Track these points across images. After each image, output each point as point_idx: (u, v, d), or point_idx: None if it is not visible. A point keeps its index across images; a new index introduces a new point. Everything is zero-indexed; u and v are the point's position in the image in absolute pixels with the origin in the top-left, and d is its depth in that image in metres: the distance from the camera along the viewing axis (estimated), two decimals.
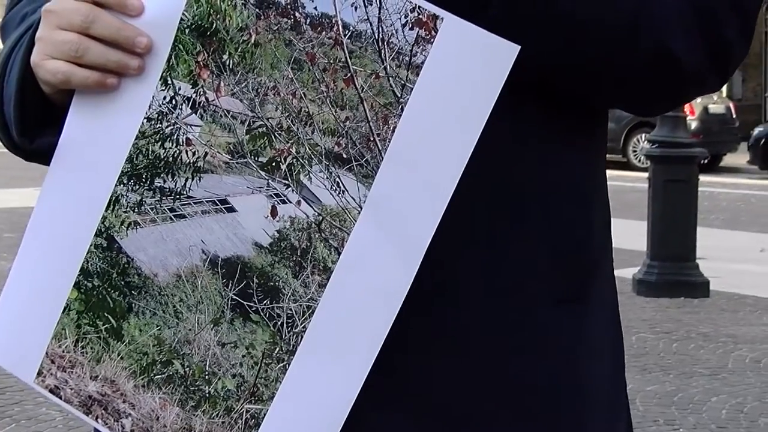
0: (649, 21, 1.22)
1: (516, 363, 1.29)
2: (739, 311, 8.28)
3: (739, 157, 21.93)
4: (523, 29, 1.18)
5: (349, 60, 1.16)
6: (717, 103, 21.26)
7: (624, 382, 1.42)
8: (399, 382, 1.27)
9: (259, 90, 1.20)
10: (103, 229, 1.27)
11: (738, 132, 22.20)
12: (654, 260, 8.78)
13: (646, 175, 9.55)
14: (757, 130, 21.02)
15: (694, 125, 17.79)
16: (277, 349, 1.22)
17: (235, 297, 1.23)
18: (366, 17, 1.15)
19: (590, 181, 1.35)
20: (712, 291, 8.69)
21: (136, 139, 1.25)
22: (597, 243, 1.35)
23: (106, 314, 1.28)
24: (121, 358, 1.28)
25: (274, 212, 1.22)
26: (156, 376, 1.26)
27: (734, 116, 22.26)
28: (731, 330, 7.65)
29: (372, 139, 1.16)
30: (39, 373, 1.31)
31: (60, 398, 1.30)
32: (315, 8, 1.17)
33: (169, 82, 1.23)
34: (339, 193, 1.18)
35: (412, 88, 1.14)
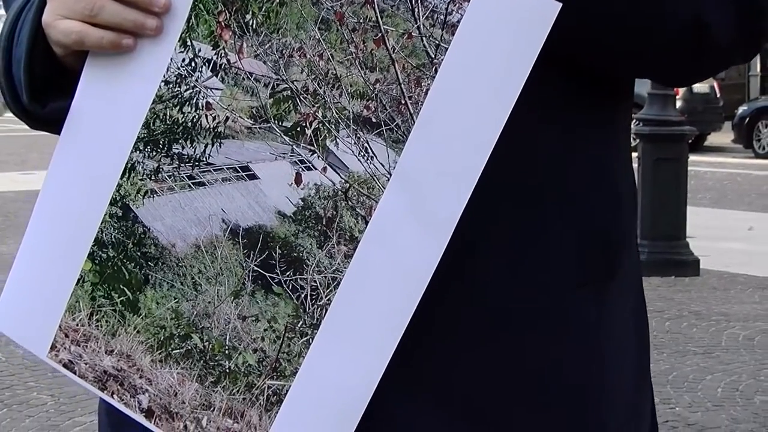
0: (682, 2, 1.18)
1: (539, 352, 1.26)
2: (730, 289, 8.27)
3: (723, 136, 22.00)
4: None
5: (380, 19, 1.11)
6: (702, 83, 21.31)
7: (650, 387, 1.39)
8: (419, 370, 1.23)
9: (284, 51, 1.15)
10: (118, 198, 1.22)
11: (722, 111, 22.29)
12: (644, 239, 8.74)
13: (635, 154, 9.53)
14: (741, 109, 21.10)
15: (678, 104, 17.82)
16: (301, 322, 1.17)
17: (256, 268, 1.18)
18: None
19: (616, 158, 1.32)
20: (702, 269, 8.68)
21: (153, 104, 1.19)
22: (625, 222, 1.32)
23: (121, 286, 1.23)
24: (138, 331, 1.23)
25: (298, 179, 1.16)
26: (174, 351, 1.21)
27: (718, 95, 22.35)
28: (723, 308, 7.63)
29: (403, 102, 1.11)
30: (52, 347, 1.26)
31: (74, 373, 1.25)
32: None
33: (189, 43, 1.18)
34: (367, 159, 1.13)
35: (446, 49, 1.09)
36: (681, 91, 20.06)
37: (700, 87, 21.40)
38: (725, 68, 1.33)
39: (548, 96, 1.22)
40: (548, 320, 1.25)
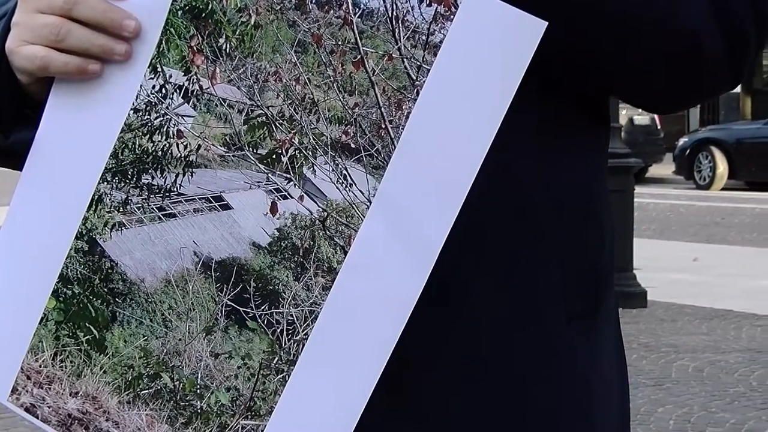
0: (684, 10, 1.17)
1: (529, 387, 1.23)
2: (678, 321, 8.29)
3: (664, 168, 22.25)
4: (555, 12, 1.10)
5: (359, 40, 1.07)
6: (642, 114, 21.58)
7: (629, 423, 1.37)
8: (409, 401, 1.19)
9: (258, 76, 1.10)
10: (84, 232, 1.16)
11: (663, 143, 22.61)
12: None
13: None
14: (681, 141, 21.36)
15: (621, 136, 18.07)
16: (276, 359, 1.12)
17: (230, 302, 1.13)
18: None
19: (600, 192, 1.30)
20: (649, 301, 8.72)
21: (121, 132, 1.14)
22: (607, 257, 1.30)
23: (87, 324, 1.17)
24: (104, 372, 1.17)
25: (274, 209, 1.12)
26: (142, 391, 1.16)
27: (659, 127, 22.66)
28: (671, 339, 7.65)
29: (383, 126, 1.07)
30: (13, 390, 1.19)
31: (37, 417, 1.19)
32: None
33: (159, 69, 1.13)
34: (346, 186, 1.09)
35: (428, 70, 1.05)
36: (622, 122, 20.31)
37: (640, 119, 21.67)
38: (709, 98, 1.32)
39: (537, 129, 1.20)
40: (539, 355, 1.23)
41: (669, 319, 8.32)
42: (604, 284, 1.30)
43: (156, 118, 1.13)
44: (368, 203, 1.08)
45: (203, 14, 1.11)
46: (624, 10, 1.14)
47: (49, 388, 1.19)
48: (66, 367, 1.18)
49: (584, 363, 1.26)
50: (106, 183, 1.15)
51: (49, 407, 1.19)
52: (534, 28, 1.03)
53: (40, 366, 1.19)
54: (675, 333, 7.87)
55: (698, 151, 20.52)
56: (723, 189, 19.85)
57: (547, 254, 1.22)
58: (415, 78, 1.06)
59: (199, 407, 1.14)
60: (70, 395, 1.18)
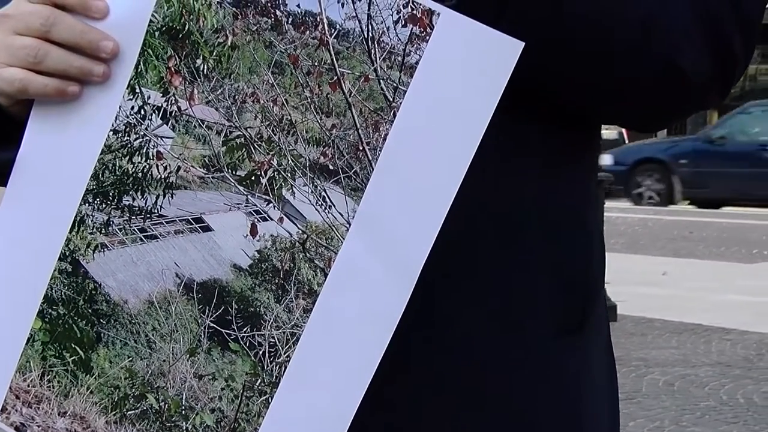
0: (658, 34, 1.14)
1: (519, 402, 1.21)
2: (648, 334, 8.21)
3: None
4: (534, 37, 1.08)
5: (335, 61, 1.05)
6: (610, 128, 21.41)
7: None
8: (394, 420, 1.18)
9: (236, 97, 1.10)
10: (67, 253, 1.16)
11: None
12: None
13: None
14: None
15: None
16: (259, 380, 1.11)
17: (212, 324, 1.12)
18: (354, 14, 1.05)
19: (588, 204, 1.28)
20: (619, 315, 8.60)
21: (101, 154, 1.14)
22: (596, 270, 1.28)
23: (73, 345, 1.17)
24: (91, 392, 1.17)
25: (253, 231, 1.11)
26: (129, 412, 1.15)
27: (626, 141, 22.59)
28: (642, 353, 7.57)
29: (361, 148, 1.06)
30: (3, 410, 1.20)
31: None
32: (298, 5, 1.07)
33: (137, 90, 1.12)
34: (325, 208, 1.08)
35: (405, 91, 1.04)
36: None
37: (608, 133, 21.60)
38: (697, 111, 1.30)
39: (521, 141, 1.19)
40: (529, 369, 1.21)
41: (639, 333, 8.24)
42: (593, 296, 1.28)
43: (135, 140, 1.13)
44: (347, 225, 1.07)
45: (180, 35, 1.10)
46: (595, 37, 1.12)
47: (38, 408, 1.19)
48: (54, 387, 1.18)
49: (573, 377, 1.24)
50: (87, 204, 1.15)
51: (38, 426, 1.19)
52: (511, 48, 1.02)
53: (29, 386, 1.19)
54: (645, 347, 7.79)
55: None
56: (690, 203, 19.68)
57: (533, 269, 1.20)
58: (391, 99, 1.04)
59: (184, 428, 1.14)
60: (59, 415, 1.18)
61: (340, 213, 1.07)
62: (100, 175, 1.14)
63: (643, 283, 10.07)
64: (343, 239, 1.07)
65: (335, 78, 1.06)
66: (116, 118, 1.13)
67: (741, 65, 1.21)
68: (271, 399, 1.10)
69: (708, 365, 7.28)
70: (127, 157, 1.13)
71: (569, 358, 1.24)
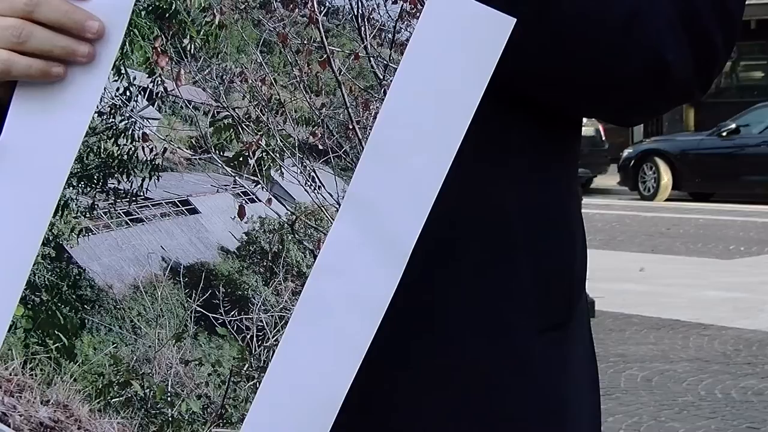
0: (642, 28, 1.14)
1: (503, 398, 1.21)
2: (626, 330, 8.23)
3: (609, 179, 22.30)
4: (521, 29, 1.08)
5: (325, 39, 1.04)
6: (587, 125, 21.60)
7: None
8: (376, 419, 1.18)
9: (224, 77, 1.08)
10: (51, 238, 1.14)
11: (607, 154, 22.69)
12: None
13: None
14: (626, 152, 21.35)
15: None
16: (247, 365, 1.09)
17: (199, 308, 1.11)
18: None
19: (571, 201, 1.28)
20: (597, 311, 8.63)
21: (86, 136, 1.12)
22: (579, 267, 1.28)
23: (56, 332, 1.15)
24: (75, 380, 1.15)
25: (241, 212, 1.09)
26: (113, 399, 1.13)
27: (603, 138, 22.77)
28: (620, 349, 7.59)
29: (351, 127, 1.05)
30: None
31: (9, 426, 1.17)
32: None
33: (123, 71, 1.11)
34: (314, 189, 1.06)
35: (395, 69, 1.03)
36: None
37: (585, 130, 21.78)
38: (678, 105, 1.30)
39: (508, 137, 1.18)
40: (513, 366, 1.21)
41: (617, 329, 8.26)
42: (577, 292, 1.28)
43: (121, 121, 1.11)
44: (337, 206, 1.06)
45: (167, 14, 1.09)
46: (580, 30, 1.11)
47: (20, 397, 1.17)
48: (36, 375, 1.16)
49: (557, 373, 1.24)
50: (71, 188, 1.13)
51: (20, 416, 1.17)
52: (502, 24, 1.01)
53: (10, 374, 1.17)
54: (623, 343, 7.82)
55: (642, 162, 20.51)
56: (667, 200, 19.83)
57: (518, 265, 1.20)
58: (382, 77, 1.03)
59: (170, 415, 1.12)
60: (42, 404, 1.16)
61: (329, 193, 1.06)
62: (85, 158, 1.12)
63: (620, 280, 10.10)
64: (333, 220, 1.06)
65: (325, 56, 1.05)
66: (101, 99, 1.11)
67: (722, 60, 1.21)
68: (259, 384, 1.09)
69: (686, 361, 7.31)
70: (113, 140, 1.12)
71: (554, 354, 1.24)
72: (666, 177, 20.13)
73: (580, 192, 1.33)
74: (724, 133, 19.54)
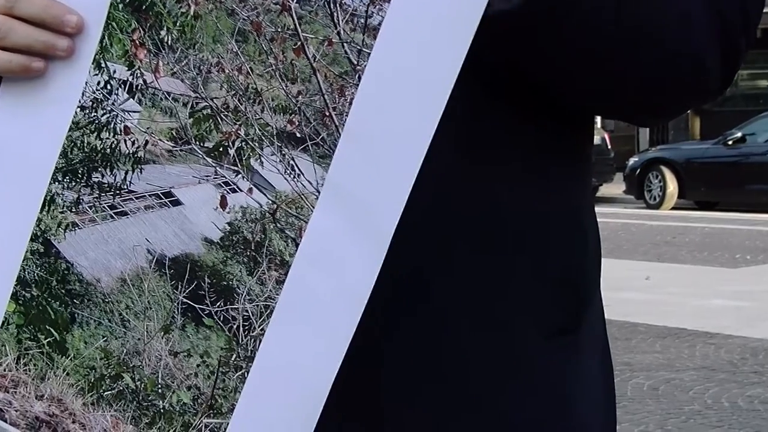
0: (694, 37, 1.13)
1: (508, 404, 1.19)
2: (632, 339, 8.16)
3: (615, 188, 22.18)
4: (572, 32, 1.07)
5: (298, 26, 1.04)
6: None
7: None
8: (375, 424, 1.17)
9: (201, 67, 1.08)
10: (38, 233, 1.15)
11: (613, 162, 22.54)
12: None
13: None
14: (632, 161, 21.20)
15: None
16: (234, 355, 1.09)
17: (185, 300, 1.11)
18: None
19: (584, 203, 1.26)
20: None
21: (69, 131, 1.13)
22: (591, 270, 1.26)
23: (47, 327, 1.16)
24: (67, 374, 1.15)
25: (223, 203, 1.09)
26: (105, 392, 1.14)
27: (609, 147, 22.63)
28: (626, 358, 7.52)
29: (327, 114, 1.04)
30: None
31: (5, 421, 1.18)
32: None
33: (103, 65, 1.11)
34: (294, 177, 1.06)
35: (369, 54, 1.02)
36: None
37: None
38: (697, 107, 1.28)
39: (520, 138, 1.17)
40: (516, 371, 1.19)
41: (623, 337, 8.19)
42: (589, 297, 1.25)
43: (103, 115, 1.11)
44: (317, 193, 1.05)
45: (144, 6, 1.09)
46: (637, 36, 1.10)
47: (15, 392, 1.17)
48: (30, 371, 1.17)
49: (565, 379, 1.21)
50: (57, 183, 1.13)
51: (16, 411, 1.18)
52: (475, 3, 1.00)
53: (5, 370, 1.18)
54: (629, 351, 7.75)
55: (648, 170, 20.35)
56: (673, 208, 19.64)
57: (518, 266, 1.17)
58: (356, 63, 1.03)
59: (161, 407, 1.12)
60: (36, 398, 1.17)
61: (309, 181, 1.06)
62: (69, 153, 1.13)
63: (626, 288, 10.00)
64: (313, 208, 1.06)
65: (299, 43, 1.04)
66: (83, 94, 1.12)
67: (741, 61, 1.20)
68: (247, 374, 1.09)
69: (692, 369, 7.26)
70: (95, 133, 1.12)
71: (561, 359, 1.21)
72: (671, 186, 20.00)
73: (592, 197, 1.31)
74: (730, 142, 19.34)
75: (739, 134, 19.37)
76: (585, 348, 1.25)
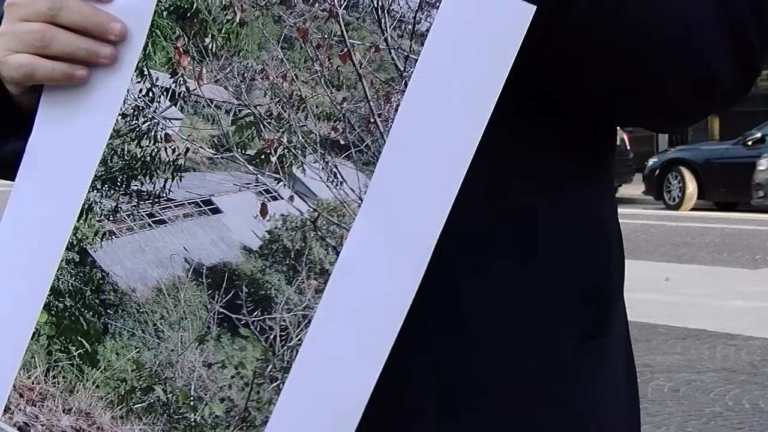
0: (696, 41, 1.14)
1: (537, 408, 1.19)
2: (652, 340, 8.14)
3: (634, 188, 22.20)
4: (575, 38, 1.08)
5: (345, 33, 1.04)
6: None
7: None
8: (409, 424, 1.16)
9: (245, 74, 1.08)
10: (75, 242, 1.14)
11: (632, 163, 22.65)
12: None
13: None
14: (651, 161, 21.28)
15: None
16: (270, 366, 1.08)
17: (222, 310, 1.10)
18: None
19: (606, 206, 1.27)
20: None
21: (110, 139, 1.12)
22: (615, 273, 1.27)
23: (79, 338, 1.14)
24: (97, 386, 1.14)
25: (264, 211, 1.09)
26: (135, 405, 1.12)
27: (628, 148, 22.67)
28: (646, 359, 7.49)
29: (372, 120, 1.04)
30: (6, 409, 1.16)
31: None
32: None
33: (146, 72, 1.11)
34: (336, 184, 1.06)
35: (416, 60, 1.03)
36: None
37: None
38: (718, 113, 1.30)
39: (543, 142, 1.18)
40: (549, 379, 1.19)
41: (643, 339, 8.16)
42: (613, 300, 1.26)
43: (144, 123, 1.11)
44: (359, 201, 1.05)
45: (188, 14, 1.09)
46: (636, 41, 1.11)
47: (42, 406, 1.16)
48: (59, 383, 1.15)
49: (591, 381, 1.22)
50: (95, 191, 1.13)
51: (42, 425, 1.16)
52: (522, 12, 1.01)
53: (33, 383, 1.16)
54: (650, 353, 7.73)
55: (667, 171, 20.42)
56: (692, 209, 19.65)
57: (548, 270, 1.18)
58: (402, 69, 1.03)
59: (193, 420, 1.11)
60: (64, 412, 1.15)
61: (351, 189, 1.05)
62: (109, 161, 1.12)
63: (646, 289, 9.95)
64: (355, 216, 1.05)
65: (345, 50, 1.05)
66: (125, 101, 1.12)
67: (761, 67, 1.21)
68: (283, 385, 1.07)
69: (713, 371, 7.23)
70: (136, 141, 1.12)
71: (588, 364, 1.21)
72: (691, 186, 20.02)
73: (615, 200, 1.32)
74: (749, 142, 19.38)
75: (758, 135, 19.38)
76: (610, 352, 1.25)
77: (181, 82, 1.10)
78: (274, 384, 1.08)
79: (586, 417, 1.22)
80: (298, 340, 1.07)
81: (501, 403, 1.17)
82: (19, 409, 1.16)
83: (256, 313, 1.09)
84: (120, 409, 1.13)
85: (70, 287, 1.14)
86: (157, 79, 1.11)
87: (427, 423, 1.17)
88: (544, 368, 1.18)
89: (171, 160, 1.11)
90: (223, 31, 1.09)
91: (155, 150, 1.11)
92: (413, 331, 1.06)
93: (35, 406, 1.16)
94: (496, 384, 1.17)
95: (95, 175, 1.13)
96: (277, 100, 1.07)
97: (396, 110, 1.03)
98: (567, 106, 1.16)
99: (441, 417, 1.16)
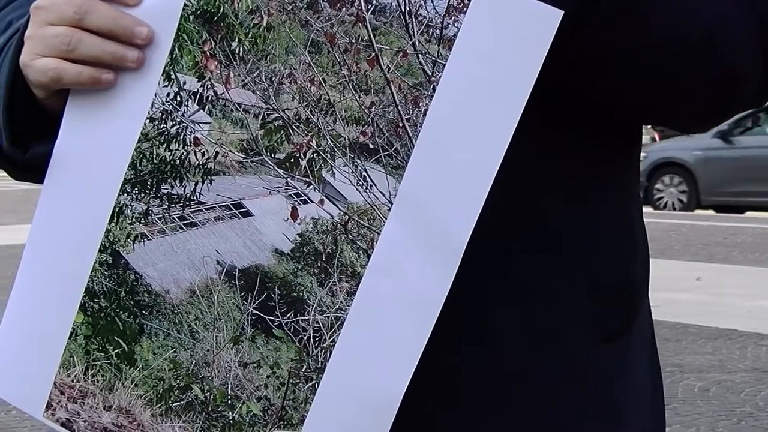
0: (724, 42, 1.13)
1: (559, 411, 1.19)
2: (683, 340, 8.09)
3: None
4: (603, 39, 1.07)
5: (372, 38, 1.04)
6: (643, 134, 21.25)
7: None
8: (433, 429, 1.18)
9: (273, 79, 1.08)
10: (107, 244, 1.15)
11: None
12: None
13: None
14: None
15: None
16: (305, 367, 1.09)
17: (255, 311, 1.11)
18: None
19: (632, 205, 1.26)
20: (653, 321, 8.48)
21: (138, 142, 1.13)
22: (640, 275, 1.26)
23: (116, 338, 1.16)
24: (135, 385, 1.15)
25: (294, 214, 1.09)
26: (174, 403, 1.14)
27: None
28: (677, 359, 7.46)
29: (401, 125, 1.04)
30: (48, 406, 1.18)
31: (73, 431, 1.18)
32: None
33: (173, 76, 1.11)
34: (366, 188, 1.06)
35: (444, 65, 1.02)
36: None
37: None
38: (742, 113, 1.28)
39: (566, 146, 1.17)
40: (574, 379, 1.19)
41: (673, 338, 8.11)
42: (638, 302, 1.26)
43: (172, 127, 1.11)
44: (389, 204, 1.05)
45: (215, 18, 1.09)
46: (663, 41, 1.10)
47: (83, 403, 1.17)
48: (98, 381, 1.17)
49: (614, 384, 1.22)
50: (126, 194, 1.13)
51: (84, 421, 1.18)
52: (549, 17, 1.00)
53: (73, 381, 1.18)
54: (680, 352, 7.68)
55: None
56: (724, 208, 19.42)
57: (573, 274, 1.18)
58: (430, 74, 1.03)
59: (231, 418, 1.12)
60: (104, 409, 1.17)
61: (381, 192, 1.05)
62: (138, 164, 1.13)
63: (677, 289, 9.93)
64: (386, 219, 1.05)
65: (373, 54, 1.04)
66: (152, 105, 1.12)
67: None
68: (318, 385, 1.08)
69: (744, 371, 7.21)
70: (165, 145, 1.12)
71: (612, 363, 1.22)
72: None
73: (641, 199, 1.31)
74: None
75: None
76: (634, 351, 1.25)
77: (209, 86, 1.10)
78: (309, 384, 1.09)
79: (613, 416, 1.22)
80: (332, 341, 1.08)
81: (525, 402, 1.18)
82: (61, 406, 1.18)
83: (289, 315, 1.09)
84: (159, 407, 1.14)
85: (105, 288, 1.15)
86: (185, 83, 1.11)
87: (452, 423, 1.17)
88: (571, 369, 1.19)
89: (201, 163, 1.11)
90: (250, 35, 1.08)
91: (184, 153, 1.11)
92: (440, 334, 1.06)
93: (76, 403, 1.18)
94: (520, 385, 1.17)
95: (125, 179, 1.13)
96: (306, 104, 1.07)
97: (424, 115, 1.03)
98: (592, 110, 1.15)
99: (465, 418, 1.17)
